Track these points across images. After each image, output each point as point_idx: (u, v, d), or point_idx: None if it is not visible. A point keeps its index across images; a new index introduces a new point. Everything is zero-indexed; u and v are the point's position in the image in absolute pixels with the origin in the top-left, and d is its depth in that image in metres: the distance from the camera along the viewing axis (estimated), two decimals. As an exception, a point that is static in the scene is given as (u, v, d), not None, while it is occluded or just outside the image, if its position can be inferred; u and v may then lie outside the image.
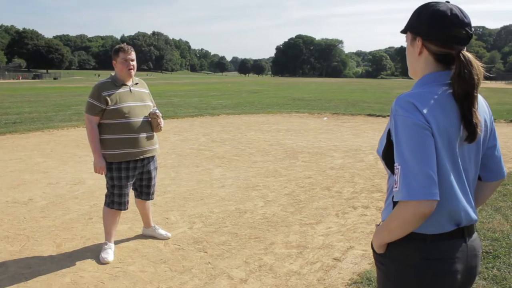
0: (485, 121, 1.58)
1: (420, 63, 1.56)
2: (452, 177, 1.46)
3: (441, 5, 1.50)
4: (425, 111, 1.41)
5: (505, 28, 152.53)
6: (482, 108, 1.59)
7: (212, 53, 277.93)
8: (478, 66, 1.47)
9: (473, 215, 1.54)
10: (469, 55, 1.47)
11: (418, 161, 1.37)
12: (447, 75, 1.50)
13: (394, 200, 1.43)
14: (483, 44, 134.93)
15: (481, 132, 1.49)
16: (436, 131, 1.41)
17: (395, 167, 1.41)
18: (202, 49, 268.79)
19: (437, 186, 1.37)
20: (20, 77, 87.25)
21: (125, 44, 3.95)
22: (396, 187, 1.40)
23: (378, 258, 1.61)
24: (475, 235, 1.60)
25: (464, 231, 1.53)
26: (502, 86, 48.33)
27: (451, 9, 1.48)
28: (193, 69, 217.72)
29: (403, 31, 1.61)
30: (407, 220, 1.40)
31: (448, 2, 1.53)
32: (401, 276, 1.54)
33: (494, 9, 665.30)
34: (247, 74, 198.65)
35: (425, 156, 1.37)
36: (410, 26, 1.57)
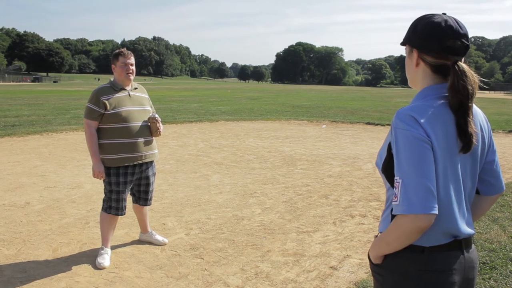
0: (483, 134, 1.59)
1: (418, 74, 1.58)
2: (451, 191, 1.47)
3: (436, 17, 1.52)
4: (425, 124, 1.42)
5: (504, 39, 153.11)
6: (480, 121, 1.59)
7: (212, 59, 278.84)
8: (473, 77, 1.48)
9: (469, 229, 1.55)
10: (464, 66, 1.48)
11: (417, 175, 1.37)
12: (445, 87, 1.51)
13: (394, 213, 1.43)
14: (483, 54, 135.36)
15: (476, 142, 1.50)
16: (436, 144, 1.42)
17: (395, 181, 1.42)
18: (202, 55, 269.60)
19: (436, 200, 1.38)
20: (29, 79, 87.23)
21: (124, 48, 3.96)
22: (396, 201, 1.40)
23: (375, 268, 1.62)
24: (473, 247, 1.61)
25: (461, 243, 1.54)
26: (501, 97, 48.46)
27: (445, 21, 1.49)
28: (193, 74, 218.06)
29: (403, 43, 1.63)
30: (406, 233, 1.41)
31: (445, 14, 1.54)
32: (398, 287, 1.54)
33: (494, 20, 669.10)
34: (247, 81, 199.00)
35: (425, 170, 1.38)
36: (408, 39, 1.59)
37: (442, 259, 1.50)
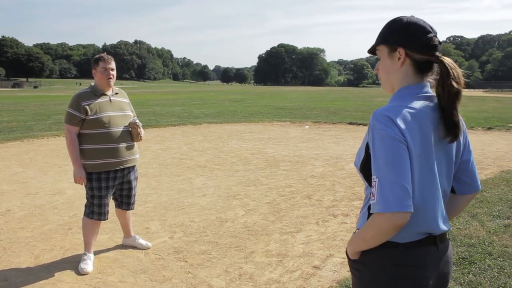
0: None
1: (398, 75, 1.60)
2: (427, 191, 1.52)
3: (412, 17, 1.58)
4: (401, 124, 1.45)
5: (482, 37, 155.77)
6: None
7: (194, 62, 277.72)
8: (458, 68, 1.56)
9: (444, 226, 1.60)
10: (449, 59, 1.55)
11: (393, 173, 1.41)
12: (421, 87, 1.57)
13: (371, 211, 1.46)
14: (461, 53, 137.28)
15: (461, 132, 1.56)
16: (412, 145, 1.45)
17: (372, 180, 1.45)
18: (184, 58, 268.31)
19: (411, 198, 1.41)
20: (25, 85, 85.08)
21: (104, 53, 3.95)
22: (373, 199, 1.43)
23: (353, 264, 1.65)
24: (447, 242, 1.65)
25: (436, 239, 1.58)
26: (480, 94, 49.24)
27: (422, 20, 1.57)
28: (175, 78, 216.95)
29: (377, 44, 1.64)
30: (382, 230, 1.45)
31: (413, 16, 1.60)
32: (375, 282, 1.58)
33: (472, 19, 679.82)
34: (230, 83, 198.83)
35: (400, 169, 1.41)
36: (386, 39, 1.61)
37: (417, 254, 1.54)
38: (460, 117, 1.65)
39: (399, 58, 1.57)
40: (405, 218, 1.41)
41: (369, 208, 1.58)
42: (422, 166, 1.49)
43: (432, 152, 1.52)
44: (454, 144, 1.60)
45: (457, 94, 1.52)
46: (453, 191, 1.71)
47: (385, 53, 1.62)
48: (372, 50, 1.69)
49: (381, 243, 1.51)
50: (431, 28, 1.56)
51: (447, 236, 1.66)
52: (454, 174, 1.66)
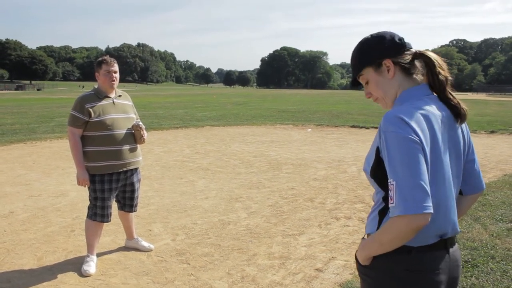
0: (463, 134, 1.64)
1: (394, 85, 1.61)
2: (442, 191, 1.51)
3: (372, 34, 1.67)
4: (414, 125, 1.44)
5: (485, 41, 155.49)
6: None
7: (197, 65, 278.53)
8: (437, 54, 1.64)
9: (458, 227, 1.61)
10: (428, 51, 1.62)
11: (411, 175, 1.38)
12: (422, 88, 1.59)
13: (391, 216, 1.42)
14: (464, 57, 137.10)
15: (464, 111, 1.59)
16: (425, 144, 1.44)
17: (389, 183, 1.42)
18: (187, 61, 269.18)
19: (430, 199, 1.38)
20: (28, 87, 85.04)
21: (107, 56, 3.97)
22: (392, 203, 1.40)
23: (363, 270, 1.63)
24: (456, 245, 1.65)
25: (446, 242, 1.57)
26: (483, 98, 49.18)
27: (381, 31, 1.66)
28: (178, 80, 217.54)
29: (360, 70, 1.66)
30: (402, 234, 1.41)
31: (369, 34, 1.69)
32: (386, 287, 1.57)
33: (475, 22, 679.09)
34: (232, 86, 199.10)
35: (418, 170, 1.39)
36: (367, 60, 1.64)
37: (429, 259, 1.53)
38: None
39: (388, 69, 1.60)
40: (426, 220, 1.37)
41: (379, 212, 1.58)
42: (437, 166, 1.49)
43: (445, 153, 1.52)
44: (461, 144, 1.60)
45: (446, 80, 1.59)
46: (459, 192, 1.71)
47: (371, 73, 1.64)
48: (354, 82, 1.72)
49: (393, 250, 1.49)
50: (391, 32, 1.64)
51: (455, 239, 1.66)
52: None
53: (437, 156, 1.49)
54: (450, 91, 1.60)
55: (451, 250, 1.59)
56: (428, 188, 1.38)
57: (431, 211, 1.37)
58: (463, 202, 1.75)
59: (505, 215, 5.17)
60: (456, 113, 1.59)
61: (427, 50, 1.63)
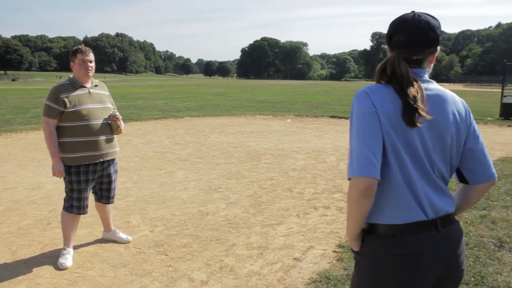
0: (456, 120, 1.62)
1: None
2: (407, 164, 1.53)
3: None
4: (374, 98, 1.54)
5: (462, 32, 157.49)
6: (456, 108, 1.65)
7: (177, 55, 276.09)
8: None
9: (442, 206, 1.58)
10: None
11: (360, 143, 1.50)
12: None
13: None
14: (443, 48, 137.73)
15: (422, 115, 1.52)
16: (384, 118, 1.51)
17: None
18: (167, 51, 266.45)
19: (375, 166, 1.48)
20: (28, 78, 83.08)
21: (82, 45, 3.90)
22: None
23: (354, 255, 1.70)
24: (454, 225, 1.63)
25: (436, 222, 1.56)
26: (460, 89, 49.93)
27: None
28: (158, 71, 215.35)
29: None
30: (351, 196, 1.52)
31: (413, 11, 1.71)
32: (373, 273, 1.59)
33: (453, 14, 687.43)
34: (213, 77, 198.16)
35: (367, 138, 1.50)
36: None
37: (414, 242, 1.54)
38: (461, 103, 1.69)
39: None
40: (369, 183, 1.47)
41: None
42: (397, 138, 1.52)
43: (413, 132, 1.54)
44: (451, 129, 1.60)
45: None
46: (466, 181, 1.70)
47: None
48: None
49: (378, 232, 1.56)
50: None
51: (452, 217, 1.63)
52: (462, 163, 1.67)
53: (401, 129, 1.52)
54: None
55: (443, 229, 1.57)
56: (373, 156, 1.48)
57: (374, 176, 1.47)
58: (471, 191, 1.73)
59: (479, 203, 5.27)
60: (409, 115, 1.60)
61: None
